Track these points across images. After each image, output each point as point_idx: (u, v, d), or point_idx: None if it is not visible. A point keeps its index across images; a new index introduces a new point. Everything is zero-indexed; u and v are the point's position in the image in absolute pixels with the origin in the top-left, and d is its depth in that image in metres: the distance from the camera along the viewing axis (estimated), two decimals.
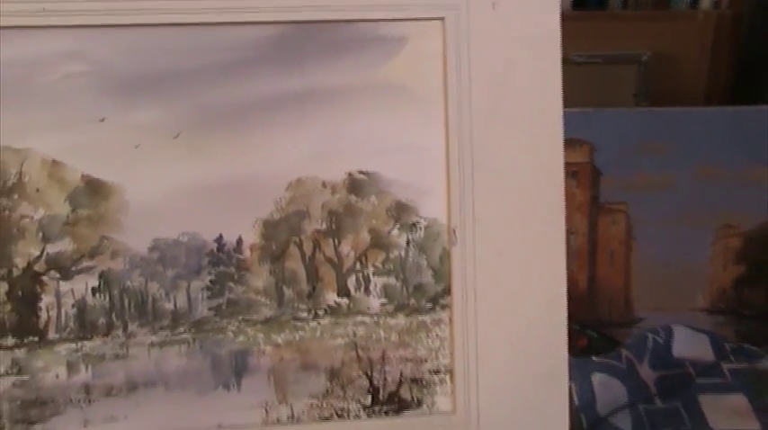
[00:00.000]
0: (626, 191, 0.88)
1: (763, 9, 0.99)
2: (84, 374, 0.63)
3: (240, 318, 0.64)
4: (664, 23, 0.93)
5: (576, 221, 0.81)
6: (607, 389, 0.78)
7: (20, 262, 0.62)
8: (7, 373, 0.62)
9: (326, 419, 0.64)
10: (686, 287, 0.93)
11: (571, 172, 0.81)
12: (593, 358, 0.79)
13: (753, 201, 0.92)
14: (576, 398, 0.74)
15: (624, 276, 0.88)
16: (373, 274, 0.65)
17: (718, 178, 0.91)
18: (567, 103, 0.63)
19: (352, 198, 0.64)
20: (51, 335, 0.62)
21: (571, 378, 0.67)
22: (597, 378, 0.79)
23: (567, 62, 0.62)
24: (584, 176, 0.83)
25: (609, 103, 0.84)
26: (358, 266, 0.64)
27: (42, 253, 0.62)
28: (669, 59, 0.92)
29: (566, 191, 0.63)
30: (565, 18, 0.62)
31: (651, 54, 0.91)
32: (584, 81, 0.65)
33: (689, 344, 0.84)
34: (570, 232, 0.79)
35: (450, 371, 0.65)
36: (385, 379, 0.65)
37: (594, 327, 0.82)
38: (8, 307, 0.62)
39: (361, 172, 0.64)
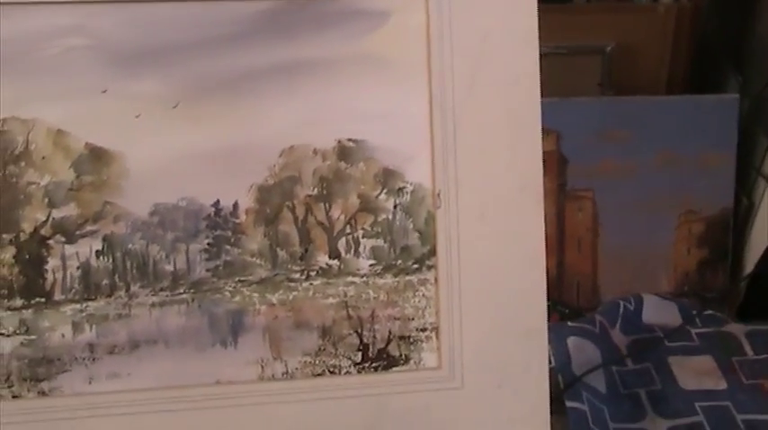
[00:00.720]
0: (592, 178, 0.91)
1: (722, 0, 1.02)
2: (88, 333, 0.65)
3: (236, 278, 0.67)
4: (626, 15, 0.96)
5: (545, 208, 0.84)
6: (581, 351, 0.81)
7: (27, 226, 0.65)
8: (15, 333, 0.65)
9: (319, 375, 0.67)
10: (651, 271, 0.95)
11: None
12: (569, 323, 0.82)
13: (714, 186, 0.94)
14: (552, 359, 0.77)
15: (591, 262, 0.91)
16: (362, 237, 0.68)
17: (680, 165, 0.94)
18: None
19: (342, 164, 0.67)
20: (57, 296, 0.65)
21: (548, 341, 0.69)
22: (572, 341, 0.82)
23: None
24: (552, 164, 0.86)
25: (574, 93, 0.87)
26: (348, 229, 0.68)
27: (48, 218, 0.65)
28: (632, 50, 0.95)
29: None
30: None
31: (615, 45, 0.94)
32: (550, 72, 0.68)
33: (658, 311, 0.87)
34: None
35: (436, 329, 0.68)
36: (374, 336, 0.68)
37: (565, 304, 0.85)
38: (16, 269, 0.65)
39: (349, 139, 0.67)
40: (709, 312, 0.89)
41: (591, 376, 0.79)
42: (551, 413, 0.68)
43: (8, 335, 0.65)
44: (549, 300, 0.68)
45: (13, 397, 0.65)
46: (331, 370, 0.67)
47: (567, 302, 0.83)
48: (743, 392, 0.79)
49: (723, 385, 0.79)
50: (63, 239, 0.65)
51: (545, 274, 0.68)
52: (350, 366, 0.68)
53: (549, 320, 0.68)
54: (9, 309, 0.65)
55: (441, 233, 0.67)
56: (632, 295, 0.89)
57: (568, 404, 0.76)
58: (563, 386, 0.77)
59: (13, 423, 0.64)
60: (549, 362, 0.68)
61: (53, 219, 0.65)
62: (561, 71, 0.70)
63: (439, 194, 0.67)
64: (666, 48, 0.96)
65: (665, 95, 0.98)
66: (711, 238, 0.97)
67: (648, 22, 0.95)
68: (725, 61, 1.02)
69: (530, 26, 0.67)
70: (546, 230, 0.68)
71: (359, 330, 0.68)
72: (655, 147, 0.92)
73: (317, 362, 0.67)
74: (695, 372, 0.81)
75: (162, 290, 0.66)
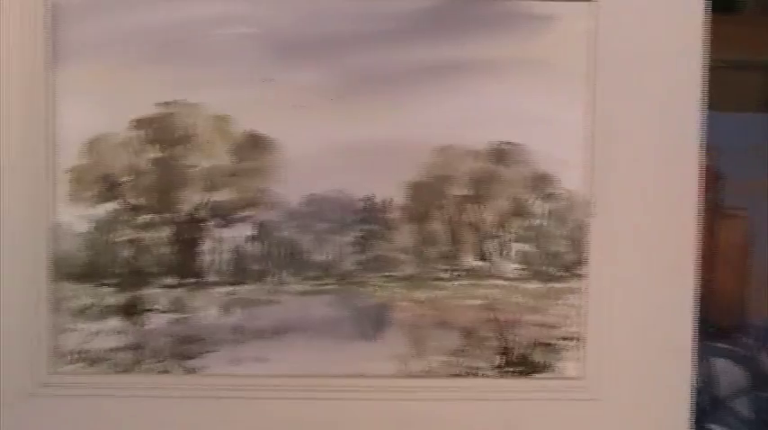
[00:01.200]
0: (745, 196, 0.88)
1: None
2: (236, 316, 0.67)
3: (383, 273, 0.67)
4: None
5: None
6: (728, 373, 0.79)
7: (185, 208, 0.66)
8: (168, 310, 0.66)
9: (458, 376, 0.67)
10: None
11: None
12: (716, 344, 0.80)
13: None
14: (697, 380, 0.76)
15: (741, 281, 0.88)
16: (512, 241, 0.67)
17: None
18: None
19: (496, 167, 0.67)
20: (209, 277, 0.67)
21: (694, 361, 0.67)
22: (719, 363, 0.80)
23: None
24: (707, 180, 0.83)
25: (734, 108, 0.83)
26: (497, 232, 0.67)
27: (206, 200, 0.66)
28: None
29: None
30: None
31: None
32: (713, 85, 0.67)
33: None
34: None
35: (580, 339, 0.67)
36: (516, 341, 0.67)
37: (713, 323, 0.82)
38: (172, 249, 0.66)
39: (505, 142, 0.66)
40: None
41: (736, 400, 0.78)
42: None
43: (161, 312, 0.66)
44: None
45: (162, 372, 0.66)
46: (470, 371, 0.67)
47: (715, 322, 0.81)
48: None
49: None
50: (218, 222, 0.67)
51: (695, 291, 0.66)
52: (490, 369, 0.67)
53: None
54: (163, 286, 0.66)
55: (592, 242, 0.66)
56: None
57: (711, 428, 0.74)
58: (707, 409, 0.76)
59: (160, 397, 0.66)
60: (694, 383, 0.66)
61: (210, 202, 0.66)
62: (722, 85, 0.68)
63: (593, 203, 0.66)
64: None
65: None
66: None
67: None
68: None
69: (696, 38, 0.65)
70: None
71: (502, 334, 0.67)
72: None
73: (458, 362, 0.67)
74: None
75: (310, 279, 0.67)
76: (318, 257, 0.67)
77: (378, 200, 0.67)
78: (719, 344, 0.81)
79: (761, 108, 0.89)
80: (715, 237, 0.82)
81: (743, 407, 0.77)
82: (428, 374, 0.67)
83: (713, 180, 0.80)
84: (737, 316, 0.85)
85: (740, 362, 0.80)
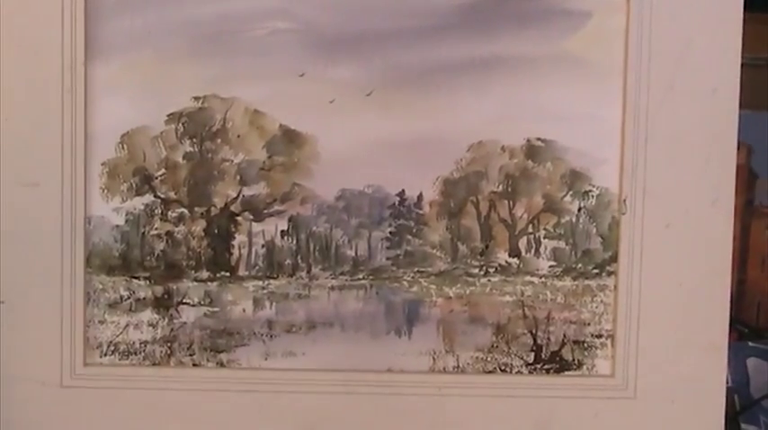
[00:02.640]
0: None
1: None
2: (268, 310, 0.67)
3: (415, 269, 0.67)
4: None
5: None
6: (761, 373, 0.80)
7: (218, 202, 0.67)
8: (200, 304, 0.67)
9: (490, 372, 0.67)
10: None
11: None
12: (749, 343, 0.80)
13: None
14: (730, 379, 0.76)
15: None
16: (544, 237, 0.68)
17: None
18: None
19: (529, 163, 0.67)
20: (241, 271, 0.67)
21: (727, 360, 0.67)
22: (752, 362, 0.80)
23: None
24: (740, 179, 0.83)
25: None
26: (530, 229, 0.67)
27: (239, 195, 0.67)
28: None
29: None
30: None
31: None
32: (747, 83, 0.67)
33: None
34: None
35: (612, 336, 0.67)
36: (548, 338, 0.68)
37: (745, 323, 0.82)
38: (205, 242, 0.67)
39: (539, 139, 0.67)
40: None
41: None
42: None
43: (193, 305, 0.67)
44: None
45: (194, 365, 0.67)
46: (502, 368, 0.68)
47: (747, 322, 0.81)
48: None
49: None
50: (251, 217, 0.67)
51: (729, 290, 0.66)
52: (522, 366, 0.68)
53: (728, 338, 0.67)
54: (195, 280, 0.67)
55: (624, 240, 0.66)
56: None
57: (744, 427, 0.75)
58: (739, 408, 0.76)
59: (192, 390, 0.67)
60: (727, 382, 0.66)
61: (243, 196, 0.67)
62: (759, 83, 0.68)
63: (625, 200, 0.66)
64: None
65: None
66: None
67: None
68: None
69: (733, 35, 0.65)
70: None
71: (533, 331, 0.67)
72: None
73: (489, 358, 0.68)
74: None
75: (342, 274, 0.67)
76: (350, 252, 0.67)
77: (411, 195, 0.67)
78: (752, 344, 0.81)
79: None
80: (749, 235, 0.82)
81: None
82: (459, 371, 0.67)
83: (748, 179, 0.80)
84: None
85: None
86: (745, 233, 0.81)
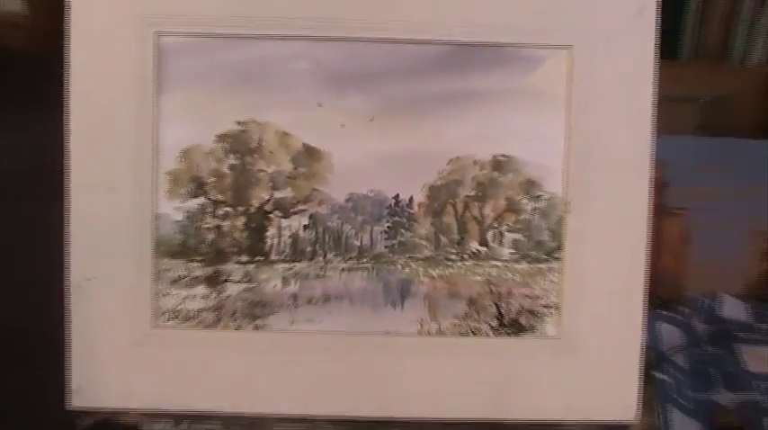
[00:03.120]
0: (686, 200, 1.00)
1: None
2: (293, 287, 0.79)
3: (407, 255, 0.79)
4: (722, 73, 1.09)
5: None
6: (670, 335, 0.92)
7: (255, 202, 0.79)
8: (241, 281, 0.80)
9: (464, 335, 0.79)
10: (729, 276, 1.02)
11: None
12: (661, 312, 0.94)
13: None
14: (647, 340, 0.83)
15: (681, 266, 1.00)
16: (507, 231, 0.80)
17: (755, 195, 1.03)
18: None
19: (495, 174, 0.79)
20: (273, 256, 0.79)
21: (645, 325, 0.78)
22: (663, 326, 0.93)
23: None
24: (657, 186, 0.95)
25: (678, 131, 0.97)
26: (495, 224, 0.80)
27: (270, 197, 0.79)
28: (725, 101, 1.07)
29: None
30: None
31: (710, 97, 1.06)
32: (660, 113, 0.80)
33: (732, 308, 0.97)
34: None
35: (558, 307, 0.80)
36: (509, 308, 0.80)
37: (659, 297, 0.97)
38: (245, 234, 0.81)
39: (503, 155, 0.79)
40: None
41: (676, 355, 0.89)
42: (644, 382, 0.78)
43: (236, 282, 0.79)
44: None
45: (236, 328, 0.79)
46: (474, 331, 0.79)
47: (660, 295, 0.94)
48: None
49: None
50: (280, 214, 0.79)
51: (645, 271, 0.78)
52: (488, 330, 0.79)
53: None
54: (237, 263, 0.79)
55: (568, 233, 0.79)
56: (710, 293, 0.98)
57: (657, 375, 0.86)
58: (654, 361, 0.86)
59: (234, 349, 0.79)
60: (644, 342, 0.78)
61: (274, 198, 0.79)
62: (668, 113, 0.83)
63: (569, 202, 0.79)
64: (758, 100, 1.08)
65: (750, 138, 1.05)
66: None
67: (741, 78, 1.08)
68: None
69: (648, 76, 0.79)
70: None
71: (497, 303, 0.79)
72: (740, 179, 1.01)
73: (463, 324, 0.79)
74: (760, 359, 0.88)
75: (350, 259, 0.79)
76: (357, 242, 0.79)
77: (404, 198, 0.79)
78: (663, 312, 0.95)
79: (697, 131, 1.06)
80: (663, 231, 0.98)
81: (679, 359, 0.89)
82: (441, 334, 0.79)
83: (661, 187, 0.97)
84: (677, 291, 1.02)
85: (678, 325, 0.95)
86: (659, 228, 0.94)
